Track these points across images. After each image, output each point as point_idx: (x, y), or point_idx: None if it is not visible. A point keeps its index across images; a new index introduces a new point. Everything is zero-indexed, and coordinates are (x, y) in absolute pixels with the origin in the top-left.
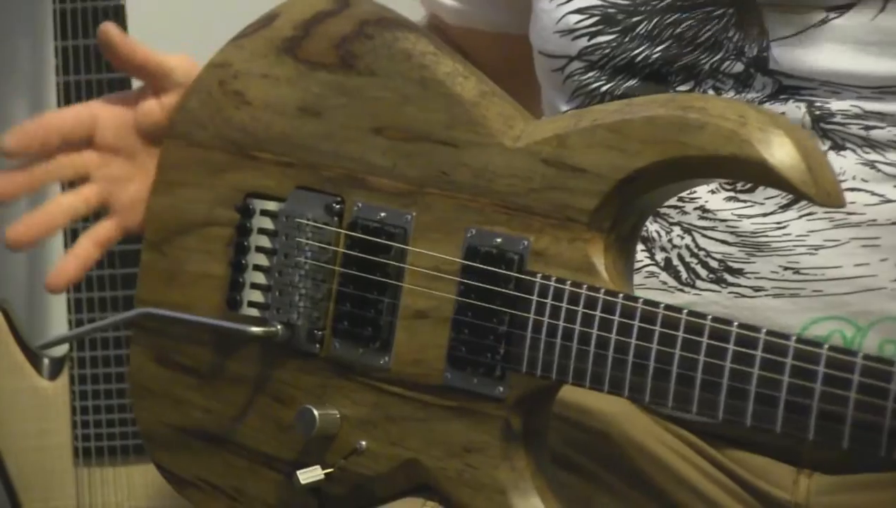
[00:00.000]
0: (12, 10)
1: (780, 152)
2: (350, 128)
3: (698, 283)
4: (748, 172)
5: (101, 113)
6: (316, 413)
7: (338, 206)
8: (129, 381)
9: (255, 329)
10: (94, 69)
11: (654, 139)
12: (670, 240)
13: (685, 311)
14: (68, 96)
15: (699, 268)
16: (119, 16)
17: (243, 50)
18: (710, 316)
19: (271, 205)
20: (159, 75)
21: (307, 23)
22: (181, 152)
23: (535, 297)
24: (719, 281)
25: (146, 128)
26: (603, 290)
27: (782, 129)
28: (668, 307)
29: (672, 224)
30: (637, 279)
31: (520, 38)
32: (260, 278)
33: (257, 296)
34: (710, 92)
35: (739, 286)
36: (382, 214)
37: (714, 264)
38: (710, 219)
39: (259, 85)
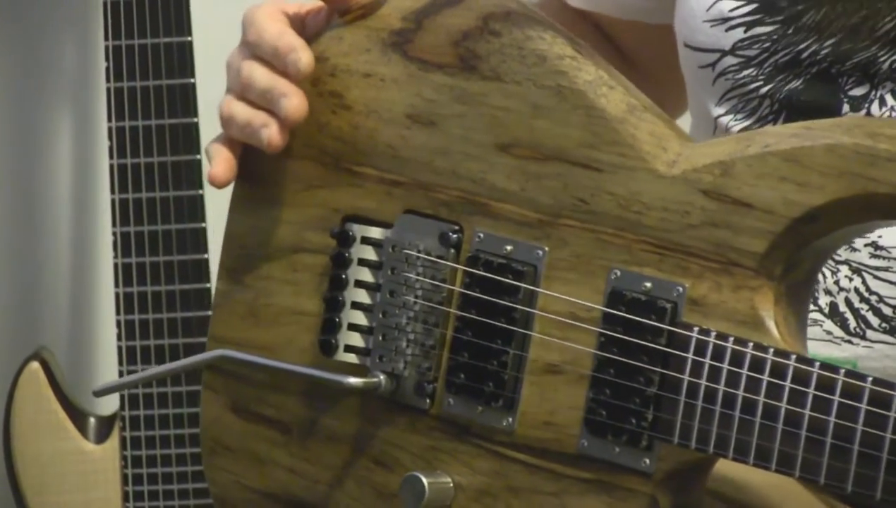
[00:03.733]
0: (56, 5)
1: None
2: (470, 143)
3: (869, 333)
4: None
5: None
6: (425, 480)
7: (455, 236)
8: (201, 435)
9: (352, 380)
10: (150, 74)
11: (836, 172)
12: (836, 282)
13: (870, 380)
14: (120, 105)
15: (870, 316)
16: (180, 12)
17: (342, 42)
18: None
19: (375, 232)
20: None
21: (420, 13)
22: (265, 163)
23: (690, 355)
24: (894, 331)
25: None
26: (772, 350)
27: None
28: (849, 373)
29: (839, 262)
30: None
31: (659, 28)
32: (360, 318)
33: (356, 340)
34: (889, 96)
35: None
36: (508, 247)
37: (888, 311)
38: (885, 258)
39: (361, 85)
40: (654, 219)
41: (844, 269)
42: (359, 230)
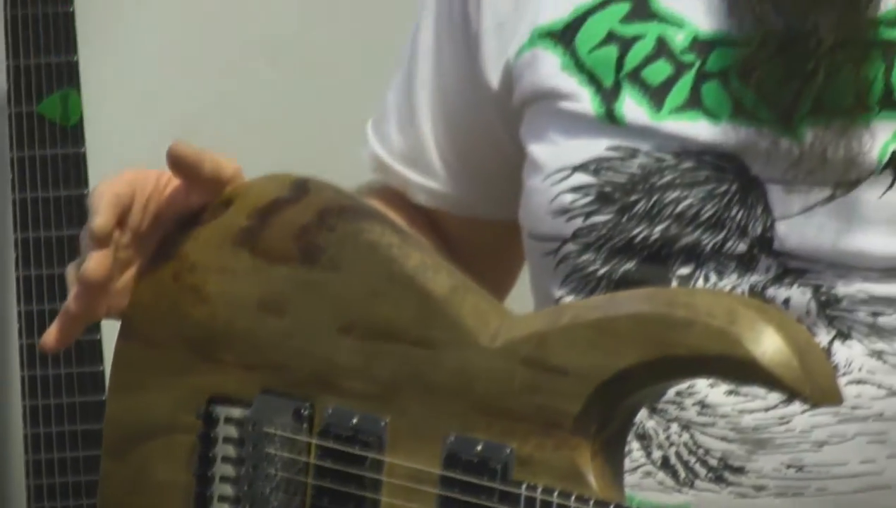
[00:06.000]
0: None
1: (771, 351)
2: (315, 327)
3: (697, 483)
4: (738, 372)
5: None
6: None
7: (307, 412)
8: None
9: None
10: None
11: (638, 337)
12: (668, 438)
13: None
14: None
15: (698, 467)
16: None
17: (197, 241)
18: None
19: (236, 412)
20: (217, 183)
21: (263, 211)
22: (137, 352)
23: None
24: (719, 479)
25: (164, 216)
26: (592, 501)
27: (773, 326)
28: None
29: (670, 420)
30: (633, 479)
31: (490, 222)
32: (228, 490)
33: None
34: (713, 274)
35: (741, 485)
36: (354, 420)
37: (714, 462)
38: (710, 415)
39: (216, 279)
40: (482, 387)
41: (675, 426)
42: (222, 411)
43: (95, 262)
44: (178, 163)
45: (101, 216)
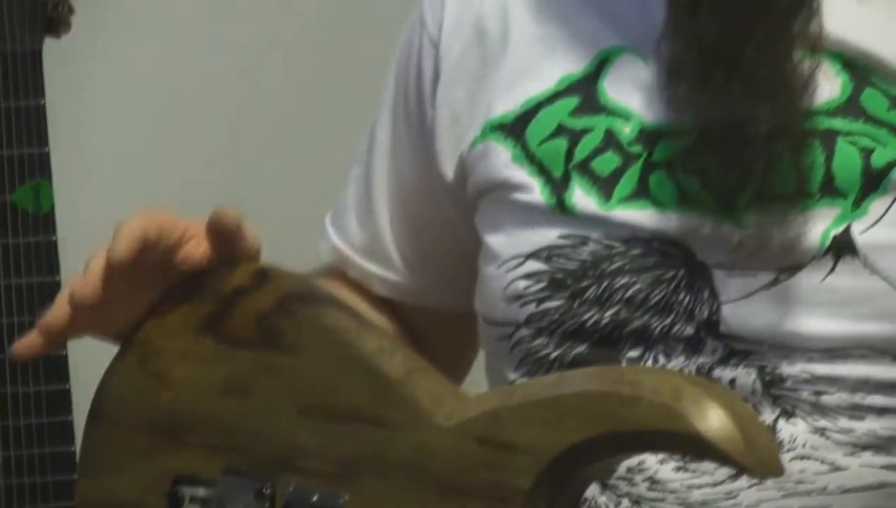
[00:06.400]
0: None
1: (715, 425)
2: (277, 408)
3: None
4: (684, 447)
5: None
6: None
7: (268, 491)
8: None
9: None
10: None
11: (587, 414)
12: None
13: None
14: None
15: None
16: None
17: (162, 328)
18: None
19: (201, 492)
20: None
21: (226, 299)
22: (106, 435)
23: None
24: None
25: (173, 273)
26: None
27: (717, 402)
28: None
29: (620, 496)
30: None
31: (447, 311)
32: None
33: None
34: (661, 356)
35: None
36: (315, 498)
37: None
38: (660, 491)
39: (180, 364)
40: (438, 465)
41: (625, 501)
42: (187, 490)
43: (93, 287)
44: (217, 228)
45: (124, 246)
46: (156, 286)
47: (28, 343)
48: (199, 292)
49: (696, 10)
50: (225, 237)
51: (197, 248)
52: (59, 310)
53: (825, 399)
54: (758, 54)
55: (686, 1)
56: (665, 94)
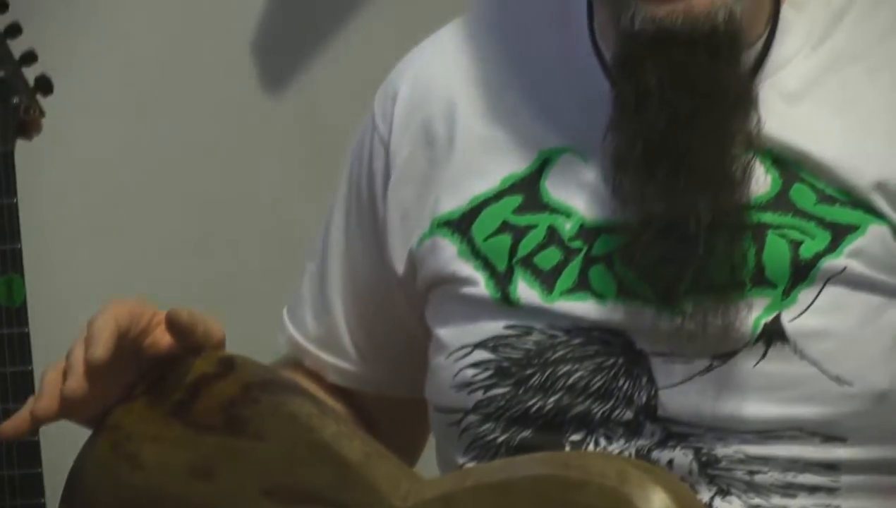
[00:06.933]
0: None
1: (658, 507)
2: (240, 490)
3: None
4: None
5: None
6: None
7: None
8: None
9: None
10: None
11: (537, 497)
12: None
13: None
14: None
15: None
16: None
17: (132, 413)
18: None
19: None
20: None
21: (193, 386)
22: None
23: None
24: None
25: (143, 358)
26: None
27: (660, 485)
28: None
29: None
30: None
31: (399, 399)
32: None
33: None
34: (602, 439)
35: None
36: None
37: None
38: None
39: (150, 448)
40: None
41: None
42: None
43: (78, 383)
44: (174, 327)
45: (103, 347)
46: (128, 370)
47: (16, 424)
48: (168, 378)
49: (643, 105)
50: (183, 333)
51: (164, 336)
52: (48, 401)
53: (759, 478)
54: (702, 147)
55: (633, 97)
56: (609, 186)
